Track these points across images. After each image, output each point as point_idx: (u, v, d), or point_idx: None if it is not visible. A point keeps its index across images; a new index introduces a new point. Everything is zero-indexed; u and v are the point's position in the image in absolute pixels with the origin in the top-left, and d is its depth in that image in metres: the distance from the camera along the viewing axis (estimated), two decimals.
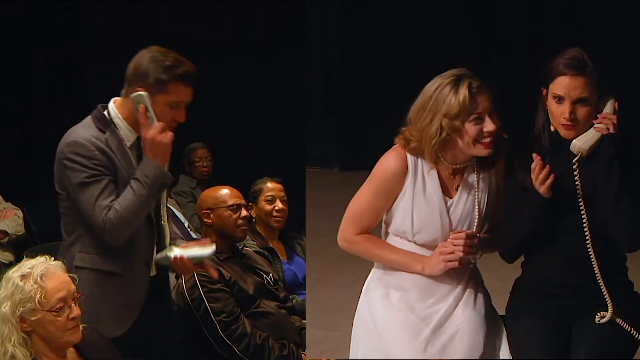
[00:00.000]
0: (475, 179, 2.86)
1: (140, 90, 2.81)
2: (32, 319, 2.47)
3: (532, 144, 2.79)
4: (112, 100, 2.88)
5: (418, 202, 2.84)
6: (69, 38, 6.89)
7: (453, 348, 2.76)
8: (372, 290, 2.95)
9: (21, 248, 5.13)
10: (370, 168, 2.93)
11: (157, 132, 2.82)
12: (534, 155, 2.68)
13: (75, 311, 2.52)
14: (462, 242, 2.77)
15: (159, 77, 2.80)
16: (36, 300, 2.46)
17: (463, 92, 2.70)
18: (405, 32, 7.29)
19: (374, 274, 3.00)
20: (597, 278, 2.74)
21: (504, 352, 2.82)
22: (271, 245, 4.24)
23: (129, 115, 2.86)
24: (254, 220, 4.30)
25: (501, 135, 2.78)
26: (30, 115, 6.92)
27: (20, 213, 5.51)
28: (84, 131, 2.82)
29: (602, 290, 2.74)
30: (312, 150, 7.28)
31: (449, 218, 2.84)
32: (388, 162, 2.87)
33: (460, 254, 2.78)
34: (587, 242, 2.72)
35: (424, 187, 2.84)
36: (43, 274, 2.49)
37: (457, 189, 2.87)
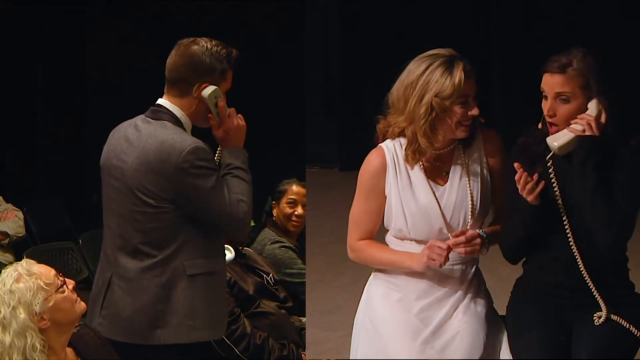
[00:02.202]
0: (464, 163, 2.86)
1: (209, 85, 2.80)
2: (50, 305, 2.44)
3: (531, 144, 2.79)
4: (165, 102, 2.81)
5: (406, 196, 2.84)
6: (70, 40, 6.90)
7: (454, 349, 2.76)
8: (373, 290, 2.95)
9: (21, 249, 5.13)
10: None
11: (237, 118, 2.87)
12: (516, 165, 2.68)
13: (70, 282, 2.52)
14: (461, 243, 2.76)
15: (224, 68, 2.83)
16: (43, 287, 2.44)
17: (459, 74, 2.72)
18: (405, 32, 7.30)
19: (376, 274, 3.00)
20: (585, 278, 2.74)
21: (505, 352, 2.82)
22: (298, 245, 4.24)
23: (190, 114, 2.83)
24: (274, 218, 4.28)
25: (478, 120, 2.80)
26: (31, 116, 6.93)
27: (20, 214, 5.52)
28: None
29: (592, 290, 2.74)
30: (312, 150, 7.29)
31: (440, 207, 2.83)
32: (368, 161, 2.89)
33: (442, 260, 2.75)
34: (570, 241, 2.72)
35: (409, 181, 2.85)
36: (27, 267, 2.49)
37: (447, 175, 2.87)
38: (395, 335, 2.79)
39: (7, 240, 5.34)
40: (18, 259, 5.03)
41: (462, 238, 2.75)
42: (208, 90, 2.79)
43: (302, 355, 3.60)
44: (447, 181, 2.85)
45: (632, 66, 6.52)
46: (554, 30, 6.89)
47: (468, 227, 2.83)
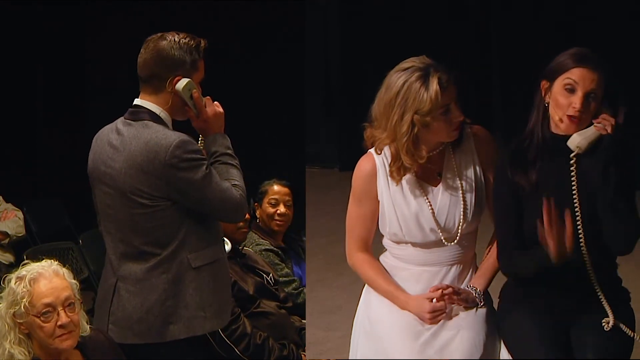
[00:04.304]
0: (455, 163, 2.85)
1: (182, 79, 2.79)
2: (24, 321, 2.49)
3: (524, 141, 2.77)
4: (142, 101, 2.81)
5: (398, 201, 2.84)
6: (70, 40, 6.90)
7: (453, 349, 2.76)
8: (372, 291, 2.95)
9: (21, 248, 5.13)
10: None
11: (214, 106, 2.87)
12: None
13: (64, 318, 2.50)
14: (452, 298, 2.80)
15: (194, 59, 2.82)
16: (22, 305, 2.47)
17: (434, 88, 2.67)
18: (405, 32, 7.29)
19: None
20: (592, 281, 2.72)
21: (504, 353, 2.82)
22: (284, 245, 4.25)
23: (168, 109, 2.83)
24: (257, 220, 4.30)
25: (464, 120, 2.77)
26: (31, 117, 6.93)
27: (20, 214, 5.51)
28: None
29: (599, 294, 2.72)
30: (312, 150, 7.28)
31: (432, 210, 2.82)
32: (358, 168, 2.90)
33: (443, 315, 2.79)
34: (581, 240, 2.70)
35: (400, 185, 2.84)
36: (33, 278, 2.50)
37: (439, 177, 2.85)
38: (395, 335, 2.79)
39: (7, 240, 5.34)
40: (18, 258, 5.03)
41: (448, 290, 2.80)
42: (181, 84, 2.79)
43: (302, 355, 3.61)
44: (439, 183, 2.85)
45: (632, 67, 6.52)
46: (555, 32, 6.88)
47: (460, 230, 2.83)
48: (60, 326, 2.49)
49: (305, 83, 6.72)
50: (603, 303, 2.73)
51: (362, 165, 2.89)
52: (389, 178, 2.84)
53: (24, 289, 2.48)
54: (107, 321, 2.80)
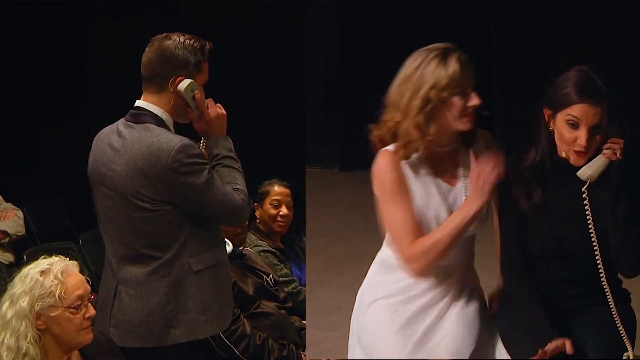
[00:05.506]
0: (468, 160, 2.79)
1: (184, 79, 2.78)
2: (51, 315, 2.46)
3: (533, 166, 2.73)
4: (144, 103, 2.80)
5: (418, 202, 2.75)
6: (70, 40, 6.90)
7: (443, 347, 2.73)
8: (366, 293, 2.92)
9: (21, 248, 5.13)
10: (370, 168, 2.89)
11: (216, 108, 2.85)
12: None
13: (91, 310, 2.52)
14: None
15: (198, 60, 2.80)
16: (56, 296, 2.45)
17: (453, 64, 2.66)
18: (405, 32, 7.30)
19: (369, 276, 2.97)
20: (613, 311, 2.70)
21: (502, 352, 2.81)
22: (282, 246, 4.25)
23: (170, 110, 2.81)
24: (257, 220, 4.29)
25: (481, 112, 2.73)
26: (31, 117, 6.93)
27: (20, 213, 5.51)
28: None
29: (619, 328, 2.69)
30: (312, 150, 7.29)
31: (450, 210, 2.75)
32: (381, 164, 2.77)
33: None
34: (600, 268, 2.67)
35: (421, 186, 2.77)
36: (63, 270, 2.49)
37: (456, 178, 2.80)
38: (388, 337, 2.76)
39: (7, 240, 5.34)
40: (18, 258, 5.03)
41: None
42: (184, 84, 2.78)
43: (302, 355, 3.61)
44: (456, 183, 2.80)
45: (632, 67, 6.52)
46: (555, 32, 6.88)
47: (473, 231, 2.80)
48: (88, 318, 2.50)
49: (305, 83, 6.73)
50: (624, 338, 2.69)
51: (384, 160, 2.76)
52: (408, 178, 2.76)
53: (55, 281, 2.46)
54: (109, 324, 2.79)
